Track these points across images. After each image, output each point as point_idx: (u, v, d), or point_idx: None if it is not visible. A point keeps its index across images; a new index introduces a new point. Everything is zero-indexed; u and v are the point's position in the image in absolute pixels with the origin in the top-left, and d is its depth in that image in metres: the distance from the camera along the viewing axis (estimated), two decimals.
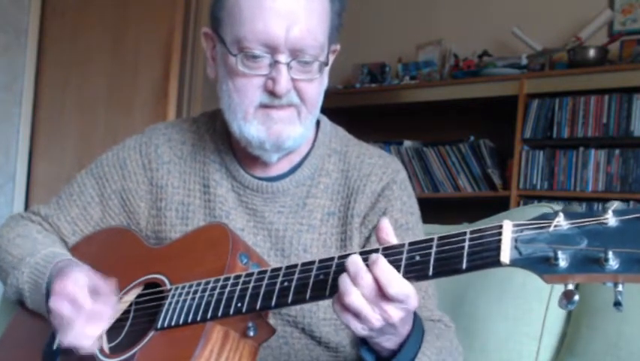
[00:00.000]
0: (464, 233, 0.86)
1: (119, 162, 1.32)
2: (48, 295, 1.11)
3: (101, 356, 1.09)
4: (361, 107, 3.86)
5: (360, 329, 0.91)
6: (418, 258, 0.88)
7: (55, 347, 1.13)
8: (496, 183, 3.47)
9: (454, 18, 3.83)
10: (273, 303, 0.97)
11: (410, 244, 0.90)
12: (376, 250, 0.91)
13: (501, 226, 0.83)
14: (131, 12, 3.41)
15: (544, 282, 0.79)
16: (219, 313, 1.01)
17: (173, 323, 1.04)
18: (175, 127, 1.35)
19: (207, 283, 1.04)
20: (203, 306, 1.02)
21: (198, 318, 1.02)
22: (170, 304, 1.07)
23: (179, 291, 1.07)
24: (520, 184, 3.31)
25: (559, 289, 0.79)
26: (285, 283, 0.97)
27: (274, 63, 1.12)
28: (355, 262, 0.90)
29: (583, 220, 0.78)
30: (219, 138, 1.30)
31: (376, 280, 0.88)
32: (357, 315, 0.89)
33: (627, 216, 0.76)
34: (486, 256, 0.82)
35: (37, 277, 1.18)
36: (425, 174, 3.70)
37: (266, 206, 1.24)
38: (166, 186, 1.29)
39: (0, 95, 3.51)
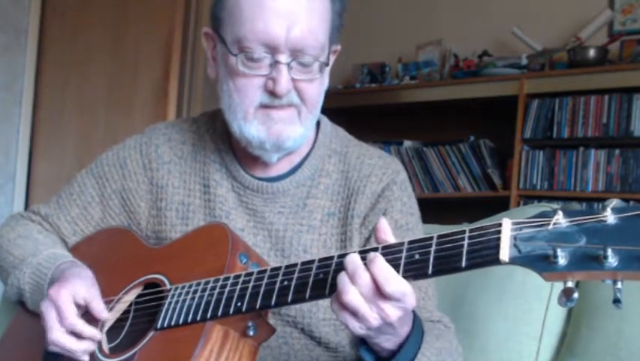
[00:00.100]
0: (463, 231, 0.86)
1: (120, 161, 1.32)
2: None
3: (100, 356, 1.10)
4: (361, 107, 3.86)
5: (358, 328, 0.91)
6: (417, 256, 0.88)
7: None
8: (496, 183, 3.47)
9: (454, 18, 3.83)
10: (273, 302, 0.97)
11: (410, 242, 0.90)
12: (375, 249, 0.91)
13: (500, 224, 0.83)
14: (131, 12, 3.41)
15: (543, 280, 0.80)
16: (219, 313, 1.01)
17: (172, 323, 1.05)
18: (175, 127, 1.35)
19: (207, 283, 1.04)
20: (202, 306, 1.02)
21: (198, 318, 1.02)
22: (169, 304, 1.07)
23: (178, 291, 1.07)
24: (520, 184, 3.31)
25: (559, 289, 0.79)
26: (285, 283, 0.97)
27: (274, 63, 1.12)
28: (353, 260, 0.90)
29: (582, 218, 0.78)
30: (219, 138, 1.30)
31: (374, 279, 0.88)
32: (354, 314, 0.89)
33: (626, 214, 0.76)
34: (485, 254, 0.82)
35: (39, 277, 1.18)
36: (425, 174, 3.70)
37: (266, 206, 1.24)
38: (166, 186, 1.29)
39: (0, 95, 3.51)
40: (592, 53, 3.20)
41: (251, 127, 1.16)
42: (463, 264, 0.84)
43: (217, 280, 1.03)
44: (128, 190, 1.30)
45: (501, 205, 2.99)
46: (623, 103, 3.07)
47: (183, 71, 3.33)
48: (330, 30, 1.17)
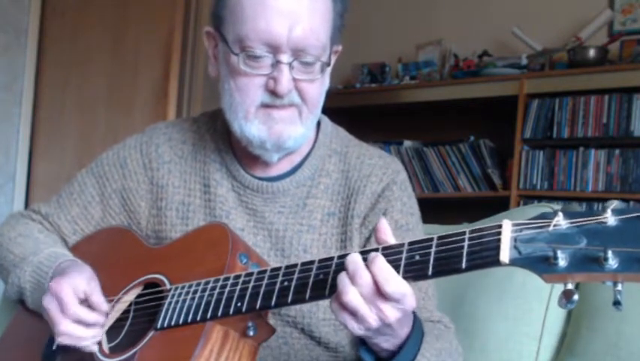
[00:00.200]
0: (464, 233, 0.86)
1: (120, 161, 1.32)
2: None
3: (100, 356, 1.10)
4: (361, 107, 3.85)
5: (356, 329, 0.91)
6: (417, 257, 0.88)
7: (54, 347, 1.13)
8: (496, 183, 3.46)
9: (454, 18, 3.83)
10: (273, 303, 0.97)
11: (410, 243, 0.90)
12: (376, 250, 0.91)
13: (500, 226, 0.83)
14: (131, 12, 3.41)
15: (543, 281, 0.80)
16: (219, 313, 1.01)
17: (172, 323, 1.05)
18: (175, 126, 1.35)
19: (207, 283, 1.04)
20: (202, 306, 1.02)
21: (198, 318, 1.02)
22: (169, 304, 1.07)
23: (178, 291, 1.07)
24: (520, 184, 3.31)
25: (559, 289, 0.79)
26: (285, 283, 0.97)
27: (276, 63, 1.12)
28: (354, 260, 0.90)
29: (582, 220, 0.78)
30: (220, 138, 1.30)
31: (374, 279, 0.88)
32: (353, 314, 0.89)
33: (626, 216, 0.76)
34: (485, 256, 0.82)
35: (40, 276, 1.18)
36: (425, 174, 3.70)
37: (266, 206, 1.24)
38: (166, 186, 1.29)
39: (0, 95, 3.51)
40: (592, 53, 3.20)
41: (252, 126, 1.16)
42: (463, 265, 0.84)
43: (217, 281, 1.03)
44: (128, 190, 1.30)
45: (501, 205, 2.99)
46: (623, 103, 3.07)
47: (183, 71, 3.33)
48: (331, 30, 1.16)
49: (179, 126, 1.35)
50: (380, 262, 0.88)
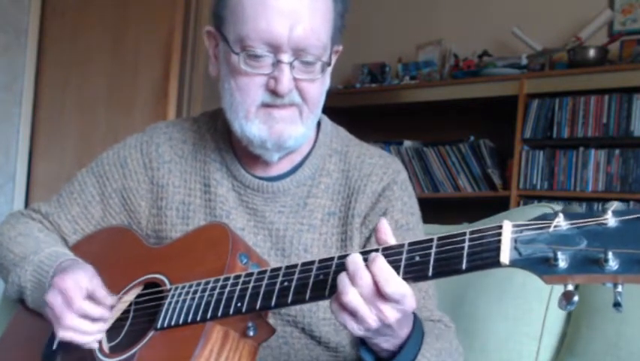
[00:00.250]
0: (464, 233, 0.86)
1: (120, 160, 1.32)
2: None
3: (100, 356, 1.10)
4: (361, 107, 3.85)
5: (356, 329, 0.91)
6: (417, 258, 0.88)
7: (54, 346, 1.13)
8: (496, 183, 3.47)
9: (454, 18, 3.83)
10: (273, 303, 0.97)
11: (410, 244, 0.90)
12: (376, 250, 0.91)
13: (501, 227, 0.83)
14: (131, 12, 3.41)
15: (543, 283, 0.79)
16: (219, 313, 1.01)
17: (172, 323, 1.05)
18: (176, 126, 1.35)
19: (207, 283, 1.04)
20: (202, 306, 1.02)
21: (198, 318, 1.02)
22: (169, 304, 1.07)
23: (178, 291, 1.07)
24: (520, 184, 3.31)
25: (559, 289, 0.79)
26: (285, 283, 0.97)
27: (277, 62, 1.12)
28: (355, 260, 0.90)
29: (582, 221, 0.78)
30: (220, 138, 1.30)
31: (374, 279, 0.88)
32: (353, 315, 0.89)
33: (627, 217, 0.76)
34: (486, 257, 0.82)
35: (41, 275, 1.18)
36: (425, 174, 3.70)
37: (266, 206, 1.24)
38: (167, 186, 1.29)
39: (0, 95, 3.50)
40: (592, 53, 3.20)
41: (252, 126, 1.16)
42: (464, 266, 0.84)
43: (217, 281, 1.03)
44: (128, 189, 1.30)
45: (501, 205, 2.99)
46: (623, 103, 3.07)
47: (183, 71, 3.33)
48: (332, 30, 1.17)
49: (180, 126, 1.35)
50: (380, 262, 0.88)
